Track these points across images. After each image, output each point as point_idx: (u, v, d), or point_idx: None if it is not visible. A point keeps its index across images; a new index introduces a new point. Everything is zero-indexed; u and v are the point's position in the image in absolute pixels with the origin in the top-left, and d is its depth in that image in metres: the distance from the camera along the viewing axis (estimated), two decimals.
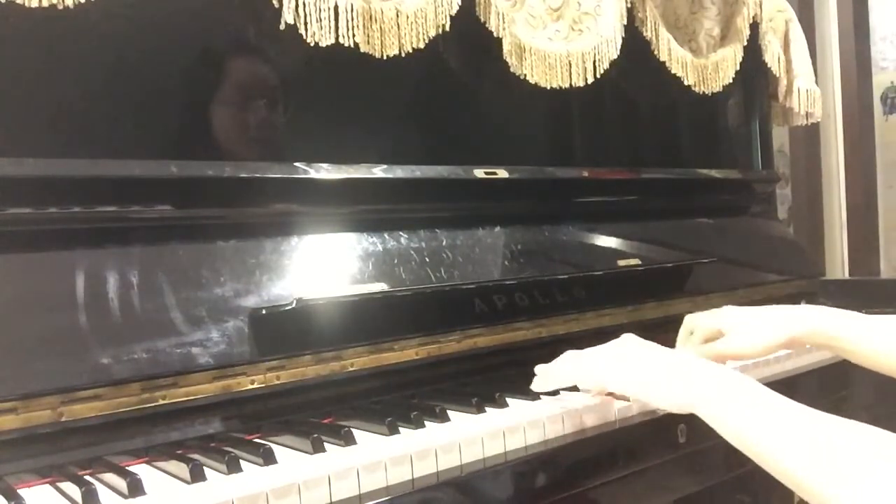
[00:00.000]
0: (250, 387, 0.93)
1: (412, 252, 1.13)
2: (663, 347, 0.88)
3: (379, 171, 1.14)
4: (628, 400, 0.95)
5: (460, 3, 1.16)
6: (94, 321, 0.85)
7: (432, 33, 1.13)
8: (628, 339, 0.91)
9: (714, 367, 0.80)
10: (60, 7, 0.86)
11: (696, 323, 1.07)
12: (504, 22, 1.24)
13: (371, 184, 1.13)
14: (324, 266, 1.05)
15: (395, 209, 1.16)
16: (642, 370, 0.85)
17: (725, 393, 0.75)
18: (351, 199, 1.11)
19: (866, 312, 1.57)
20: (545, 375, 0.95)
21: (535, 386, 0.96)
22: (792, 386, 1.18)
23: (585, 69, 1.33)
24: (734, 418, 0.72)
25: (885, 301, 1.66)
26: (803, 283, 1.73)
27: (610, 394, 0.94)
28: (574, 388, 0.94)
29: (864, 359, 0.95)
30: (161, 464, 0.80)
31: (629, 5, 1.40)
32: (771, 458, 0.67)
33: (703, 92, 1.58)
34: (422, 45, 1.12)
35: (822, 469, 0.62)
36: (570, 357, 0.94)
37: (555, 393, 0.96)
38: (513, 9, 1.28)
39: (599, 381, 0.90)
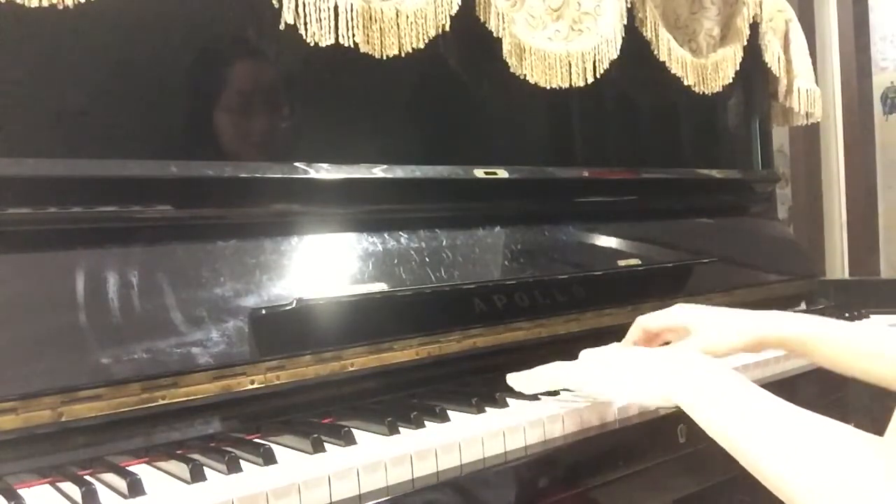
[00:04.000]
0: (250, 387, 0.93)
1: (412, 252, 1.13)
2: (637, 347, 0.88)
3: (379, 171, 1.14)
4: None
5: (460, 3, 1.16)
6: (94, 321, 0.85)
7: (432, 33, 1.13)
8: (606, 348, 0.91)
9: (692, 358, 0.80)
10: (60, 7, 0.86)
11: (650, 323, 1.04)
12: (504, 22, 1.24)
13: (371, 184, 1.13)
14: (324, 266, 1.05)
15: (395, 209, 1.16)
16: (619, 371, 0.85)
17: (708, 385, 0.74)
18: (351, 199, 1.11)
19: (866, 312, 1.58)
20: (525, 378, 0.95)
21: (512, 381, 0.96)
22: (791, 386, 1.18)
23: (585, 69, 1.33)
24: (715, 411, 0.72)
25: (885, 301, 1.66)
26: (803, 283, 1.73)
27: None
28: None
29: (830, 361, 0.95)
30: (161, 464, 0.80)
31: (629, 5, 1.40)
32: (749, 455, 0.66)
33: (703, 92, 1.58)
34: (422, 45, 1.12)
35: (803, 471, 0.61)
36: (554, 365, 0.94)
37: (534, 397, 0.97)
38: (513, 9, 1.28)
39: (585, 389, 0.90)
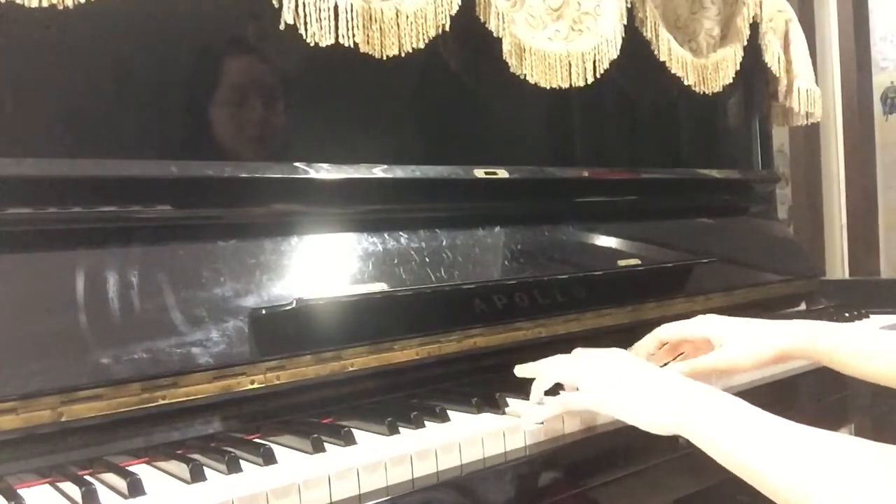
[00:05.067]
0: (250, 387, 0.93)
1: (412, 252, 1.13)
2: (648, 365, 0.87)
3: (379, 171, 1.14)
4: None
5: (460, 3, 1.16)
6: (94, 321, 0.85)
7: (432, 33, 1.13)
8: (615, 354, 0.90)
9: (700, 388, 0.78)
10: (60, 7, 0.86)
11: (668, 334, 1.02)
12: (504, 22, 1.24)
13: (371, 184, 1.13)
14: (324, 266, 1.05)
15: (395, 209, 1.16)
16: (627, 391, 0.83)
17: (713, 415, 0.73)
18: (351, 199, 1.11)
19: (866, 312, 1.58)
20: (529, 369, 0.95)
21: (518, 371, 0.96)
22: (792, 387, 1.18)
23: (585, 69, 1.33)
24: (722, 441, 0.71)
25: (885, 301, 1.66)
26: (803, 283, 1.73)
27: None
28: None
29: (860, 373, 0.94)
30: (161, 464, 0.80)
31: (629, 5, 1.40)
32: (760, 479, 0.66)
33: (703, 92, 1.58)
34: (422, 46, 1.12)
35: (811, 491, 0.61)
36: (555, 363, 0.93)
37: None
38: (513, 9, 1.28)
39: (585, 398, 0.89)
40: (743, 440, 0.69)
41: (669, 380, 0.82)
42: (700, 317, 1.02)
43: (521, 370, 0.96)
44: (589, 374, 0.88)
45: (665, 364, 1.06)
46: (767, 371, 1.19)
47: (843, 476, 0.60)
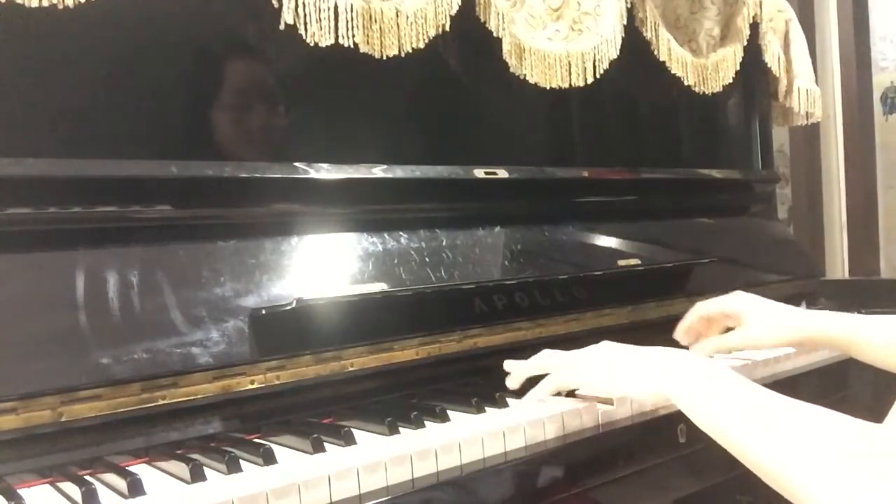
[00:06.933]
0: (250, 387, 0.93)
1: (412, 252, 1.13)
2: (637, 346, 0.89)
3: (379, 171, 1.14)
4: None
5: (460, 3, 1.16)
6: (94, 321, 0.85)
7: (432, 33, 1.13)
8: (604, 344, 0.92)
9: (691, 356, 0.81)
10: (60, 7, 0.86)
11: (708, 308, 1.11)
12: (504, 22, 1.24)
13: (371, 184, 1.13)
14: (324, 266, 1.05)
15: (395, 209, 1.16)
16: (616, 364, 0.86)
17: (702, 381, 0.75)
18: (351, 199, 1.11)
19: (866, 312, 1.58)
20: (518, 371, 0.96)
21: (510, 383, 0.97)
22: (792, 386, 1.18)
23: (585, 69, 1.33)
24: (709, 407, 0.73)
25: (885, 301, 1.66)
26: (803, 283, 1.73)
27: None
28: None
29: (875, 361, 1.00)
30: (161, 464, 0.80)
31: (629, 5, 1.40)
32: (745, 449, 0.67)
33: (703, 92, 1.58)
34: (422, 46, 1.12)
35: (797, 464, 0.61)
36: (545, 355, 0.95)
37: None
38: (513, 9, 1.28)
39: (573, 382, 0.90)
40: (727, 409, 0.71)
41: (656, 349, 0.85)
42: (736, 292, 1.10)
43: (513, 381, 0.97)
44: (576, 361, 0.91)
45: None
46: (769, 370, 1.19)
47: (830, 464, 0.60)
